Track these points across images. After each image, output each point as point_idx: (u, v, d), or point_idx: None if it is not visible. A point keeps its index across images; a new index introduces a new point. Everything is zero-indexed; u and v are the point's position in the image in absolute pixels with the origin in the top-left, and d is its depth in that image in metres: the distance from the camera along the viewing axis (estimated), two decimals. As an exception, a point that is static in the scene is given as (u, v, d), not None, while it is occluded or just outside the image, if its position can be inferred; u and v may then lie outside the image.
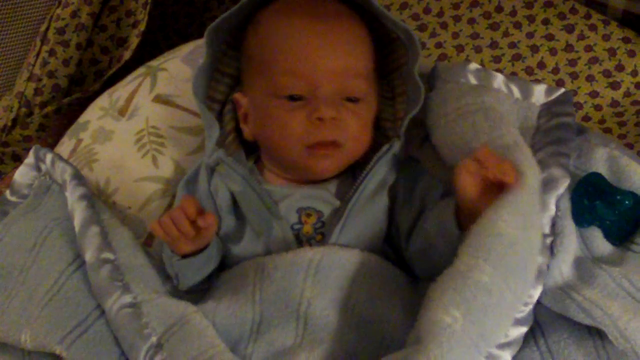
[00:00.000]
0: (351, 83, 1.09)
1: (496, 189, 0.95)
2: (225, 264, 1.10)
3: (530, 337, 0.96)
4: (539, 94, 1.16)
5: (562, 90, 1.17)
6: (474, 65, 1.19)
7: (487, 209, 0.93)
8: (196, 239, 1.03)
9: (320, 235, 1.06)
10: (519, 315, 0.93)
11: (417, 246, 1.05)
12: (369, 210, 1.08)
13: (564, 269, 1.00)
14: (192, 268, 1.06)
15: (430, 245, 1.02)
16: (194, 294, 1.09)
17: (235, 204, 1.11)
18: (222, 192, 1.11)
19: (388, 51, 1.18)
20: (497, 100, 1.13)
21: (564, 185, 1.04)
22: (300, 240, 1.06)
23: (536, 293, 0.96)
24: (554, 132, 1.10)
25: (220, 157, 1.11)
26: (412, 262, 1.07)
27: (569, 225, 1.03)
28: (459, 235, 0.97)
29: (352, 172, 1.13)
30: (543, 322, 0.98)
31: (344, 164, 1.12)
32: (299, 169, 1.11)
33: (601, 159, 1.12)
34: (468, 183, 0.96)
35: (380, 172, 1.10)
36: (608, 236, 1.06)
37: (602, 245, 1.06)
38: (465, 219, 0.97)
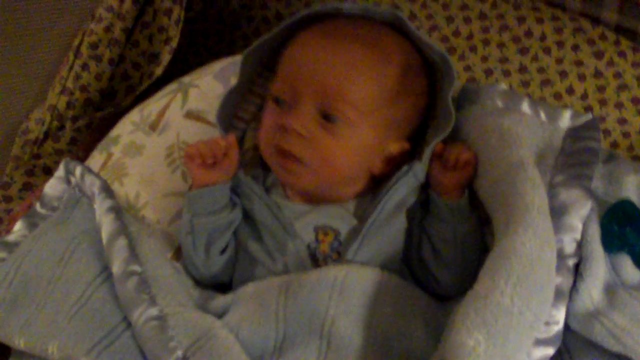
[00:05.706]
0: (332, 104, 1.07)
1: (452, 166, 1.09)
2: (247, 281, 1.09)
3: (559, 364, 0.96)
4: (566, 118, 1.16)
5: (589, 116, 1.17)
6: (501, 87, 1.19)
7: (503, 231, 0.95)
8: (218, 167, 1.11)
9: (337, 254, 1.07)
10: (541, 336, 0.92)
11: (426, 250, 1.08)
12: (386, 230, 1.08)
13: (594, 294, 0.99)
14: (206, 199, 1.09)
15: (434, 244, 1.08)
16: (214, 286, 1.12)
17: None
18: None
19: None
20: (519, 123, 1.13)
21: (586, 206, 1.03)
22: (316, 259, 1.07)
23: (559, 314, 0.95)
24: (577, 155, 1.10)
25: (238, 178, 1.13)
26: (427, 271, 1.08)
27: (597, 250, 1.02)
28: (449, 207, 1.07)
29: (373, 193, 1.13)
30: (572, 348, 0.97)
31: (317, 184, 1.10)
32: (277, 175, 1.14)
33: (632, 186, 1.12)
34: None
35: (400, 192, 1.10)
36: (638, 263, 1.06)
37: (631, 272, 1.05)
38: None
